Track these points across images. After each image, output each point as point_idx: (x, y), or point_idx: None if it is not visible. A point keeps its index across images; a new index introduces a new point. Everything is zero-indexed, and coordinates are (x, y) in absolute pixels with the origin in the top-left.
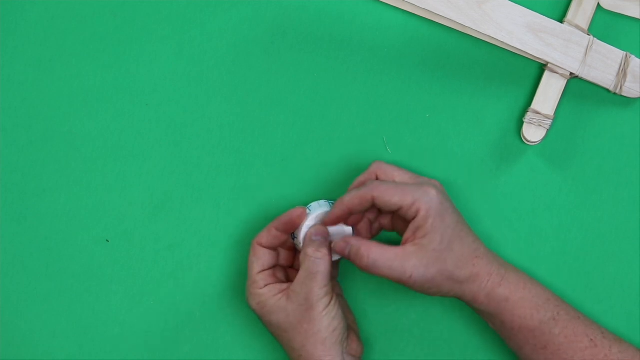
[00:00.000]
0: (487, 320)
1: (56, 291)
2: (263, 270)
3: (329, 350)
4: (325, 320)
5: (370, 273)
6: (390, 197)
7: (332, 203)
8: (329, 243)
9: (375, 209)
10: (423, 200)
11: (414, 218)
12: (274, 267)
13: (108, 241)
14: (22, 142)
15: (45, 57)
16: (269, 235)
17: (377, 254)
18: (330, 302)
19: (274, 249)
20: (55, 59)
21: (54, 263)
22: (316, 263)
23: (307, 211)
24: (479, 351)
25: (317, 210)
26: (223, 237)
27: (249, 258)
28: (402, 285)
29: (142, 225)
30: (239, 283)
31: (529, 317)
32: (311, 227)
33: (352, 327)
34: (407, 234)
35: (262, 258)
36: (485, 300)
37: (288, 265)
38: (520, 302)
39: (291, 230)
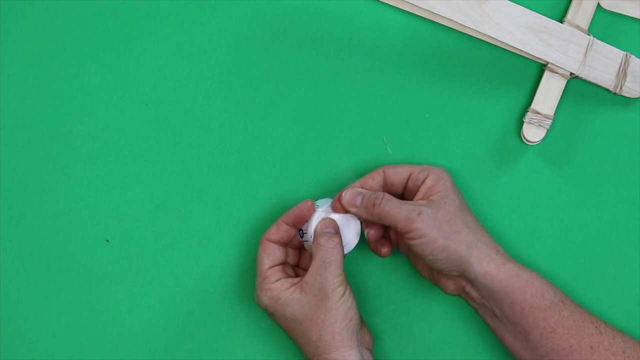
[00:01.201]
0: (492, 307)
1: (56, 291)
2: (274, 266)
3: (346, 340)
4: (342, 310)
5: (380, 218)
6: (400, 167)
7: None
8: (339, 235)
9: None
10: (433, 168)
11: (423, 181)
12: (283, 263)
13: (108, 241)
14: (22, 142)
15: (45, 57)
16: (278, 230)
17: (388, 197)
18: (345, 291)
19: (283, 244)
20: (55, 59)
21: (54, 263)
22: (330, 252)
23: (315, 206)
24: (479, 351)
25: (326, 204)
26: (223, 237)
27: (258, 255)
28: (402, 285)
29: (142, 225)
30: (239, 283)
31: (539, 295)
32: (320, 221)
33: (362, 321)
34: (418, 195)
35: (272, 254)
36: (497, 273)
37: (294, 264)
38: (530, 279)
39: (300, 224)
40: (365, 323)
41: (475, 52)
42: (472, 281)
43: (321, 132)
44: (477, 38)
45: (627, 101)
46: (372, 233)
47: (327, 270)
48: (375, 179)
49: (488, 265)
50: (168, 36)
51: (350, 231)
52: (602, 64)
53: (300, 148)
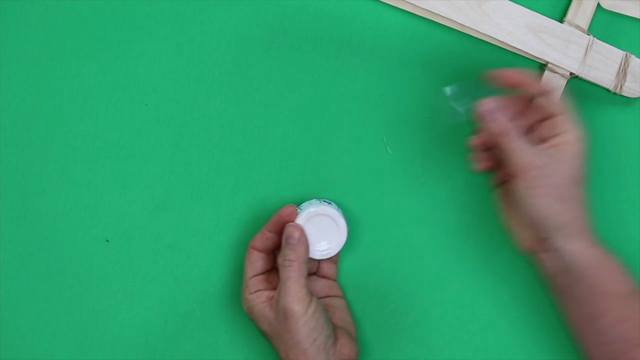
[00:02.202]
0: (565, 284)
1: (56, 291)
2: (256, 275)
3: (313, 358)
4: (303, 331)
5: (500, 149)
6: (552, 100)
7: (324, 201)
8: (301, 245)
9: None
10: (575, 127)
11: (560, 135)
12: (268, 271)
13: (108, 241)
14: (22, 142)
15: (45, 57)
16: (262, 237)
17: (518, 137)
18: (306, 311)
19: (268, 252)
20: (55, 59)
21: (54, 263)
22: (284, 270)
23: (298, 210)
24: (479, 351)
25: (308, 208)
26: (223, 237)
27: (244, 262)
28: (402, 285)
29: (142, 225)
30: (239, 283)
31: (620, 282)
32: (289, 226)
33: (345, 329)
34: (547, 143)
35: (255, 262)
36: (581, 253)
37: None
38: (612, 265)
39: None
40: (347, 333)
41: (475, 52)
42: (554, 251)
43: (321, 132)
44: (477, 38)
45: (627, 101)
46: (477, 142)
47: (284, 288)
48: (517, 104)
49: (575, 243)
50: (168, 36)
51: (335, 234)
52: (602, 64)
53: (300, 148)
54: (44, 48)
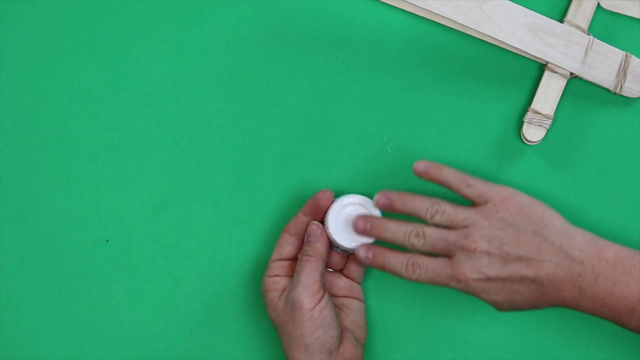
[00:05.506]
0: None
1: (56, 291)
2: (279, 260)
3: (311, 357)
4: (307, 325)
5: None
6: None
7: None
8: (322, 242)
9: None
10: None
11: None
12: (294, 259)
13: (108, 241)
14: (22, 142)
15: (45, 57)
16: (295, 221)
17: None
18: (315, 305)
19: (299, 237)
20: (55, 59)
21: (54, 263)
22: (301, 264)
23: (334, 199)
24: (480, 351)
25: (343, 198)
26: (223, 237)
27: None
28: (402, 285)
29: (142, 225)
30: (239, 283)
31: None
32: (311, 224)
33: (354, 333)
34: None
35: (282, 246)
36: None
37: None
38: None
39: (318, 215)
40: (356, 338)
41: (475, 52)
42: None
43: (321, 132)
44: (477, 38)
45: (627, 101)
46: None
47: (297, 280)
48: None
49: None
50: (168, 36)
51: None
52: (602, 64)
53: (300, 148)
54: (44, 48)
